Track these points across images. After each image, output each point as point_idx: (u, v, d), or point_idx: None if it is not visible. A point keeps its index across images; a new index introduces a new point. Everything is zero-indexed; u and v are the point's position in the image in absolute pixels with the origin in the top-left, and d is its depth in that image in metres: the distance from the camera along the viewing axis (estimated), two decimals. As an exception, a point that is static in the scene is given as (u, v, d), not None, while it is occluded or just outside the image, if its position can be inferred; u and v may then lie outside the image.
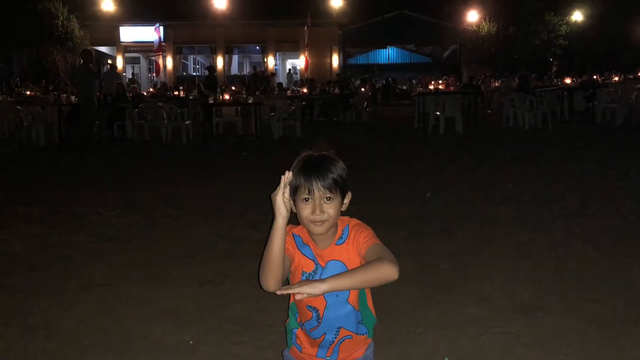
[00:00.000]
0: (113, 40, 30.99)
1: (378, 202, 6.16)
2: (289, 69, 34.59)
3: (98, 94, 13.06)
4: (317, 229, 1.88)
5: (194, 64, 37.85)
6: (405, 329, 3.29)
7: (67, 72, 26.43)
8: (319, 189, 1.83)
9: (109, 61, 28.81)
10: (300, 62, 31.40)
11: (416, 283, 3.90)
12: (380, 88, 26.85)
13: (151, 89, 23.63)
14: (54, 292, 3.90)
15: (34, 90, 20.05)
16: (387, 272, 1.77)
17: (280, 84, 22.98)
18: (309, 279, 1.90)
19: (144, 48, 31.23)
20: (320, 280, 1.77)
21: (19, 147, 12.02)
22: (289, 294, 1.80)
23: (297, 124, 13.13)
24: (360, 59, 40.28)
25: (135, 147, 12.02)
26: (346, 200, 1.93)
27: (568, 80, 18.88)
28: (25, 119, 12.68)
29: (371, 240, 1.91)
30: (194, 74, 35.87)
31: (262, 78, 24.05)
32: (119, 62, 30.82)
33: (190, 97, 17.94)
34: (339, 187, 1.86)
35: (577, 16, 33.67)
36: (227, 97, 13.99)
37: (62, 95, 15.55)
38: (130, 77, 30.91)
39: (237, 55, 36.50)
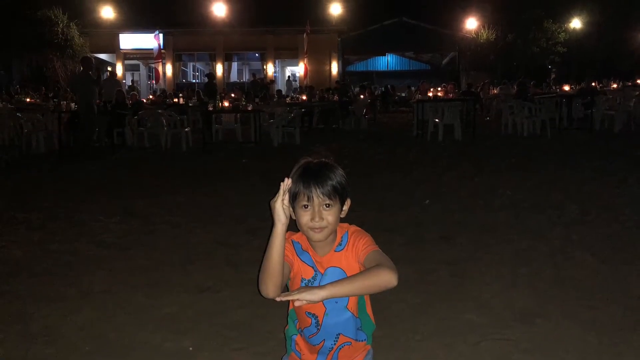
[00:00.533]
0: (113, 47, 31.05)
1: (377, 208, 6.17)
2: (288, 76, 34.65)
3: (98, 101, 13.08)
4: (316, 236, 1.89)
5: (194, 71, 37.91)
6: (404, 336, 3.30)
7: (66, 79, 26.43)
8: (318, 196, 1.84)
9: (109, 68, 28.86)
10: (299, 69, 31.45)
11: (415, 290, 3.90)
12: (379, 95, 26.91)
13: (151, 96, 23.65)
14: (54, 298, 3.90)
15: (33, 98, 20.06)
16: (386, 278, 1.77)
17: (279, 91, 23.01)
18: (308, 286, 1.91)
19: (144, 55, 31.28)
20: (320, 286, 1.77)
21: (18, 154, 12.01)
22: (288, 301, 1.81)
23: (296, 131, 13.15)
24: (360, 66, 40.45)
25: (135, 154, 12.04)
26: (345, 207, 1.94)
27: (567, 88, 18.90)
28: (25, 126, 12.69)
29: (370, 246, 1.92)
30: (194, 81, 35.94)
31: (261, 85, 24.09)
32: (119, 70, 30.88)
33: (190, 104, 17.98)
34: (338, 194, 1.87)
35: (576, 23, 33.74)
36: (226, 104, 14.01)
37: (62, 103, 15.61)
38: (130, 84, 30.95)
39: (236, 63, 36.59)
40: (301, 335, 2.06)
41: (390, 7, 34.37)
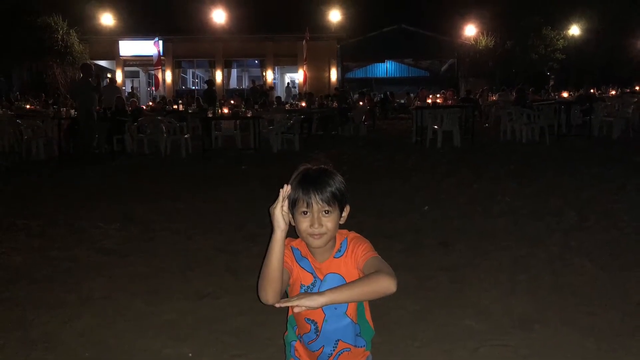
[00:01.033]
0: (112, 54, 31.11)
1: (376, 215, 6.18)
2: (288, 83, 34.71)
3: (97, 107, 13.11)
4: (316, 242, 1.90)
5: (193, 77, 37.97)
6: (403, 342, 3.31)
7: (66, 86, 26.48)
8: (317, 202, 1.85)
9: (109, 75, 28.94)
10: (298, 76, 31.51)
11: (414, 296, 3.91)
12: (378, 102, 26.96)
13: (150, 103, 23.67)
14: (54, 305, 3.91)
15: (33, 104, 20.09)
16: (385, 285, 1.78)
17: (278, 98, 23.07)
18: (308, 292, 1.91)
19: (143, 62, 31.33)
20: (319, 293, 1.78)
21: (18, 160, 12.04)
22: (288, 307, 1.82)
23: (295, 138, 13.17)
24: (359, 73, 40.54)
25: (135, 161, 12.05)
26: (344, 214, 1.95)
27: (565, 94, 18.98)
28: (25, 132, 12.71)
29: (369, 253, 1.92)
30: (193, 87, 36.00)
31: (260, 92, 24.12)
32: (119, 76, 30.94)
33: (190, 111, 18.00)
34: (338, 201, 1.88)
35: (575, 30, 33.85)
36: (226, 110, 14.05)
37: (61, 109, 15.64)
38: (130, 90, 31.01)
39: (235, 69, 36.67)
40: (300, 341, 2.06)
41: (390, 14, 34.52)
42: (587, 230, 5.48)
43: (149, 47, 28.30)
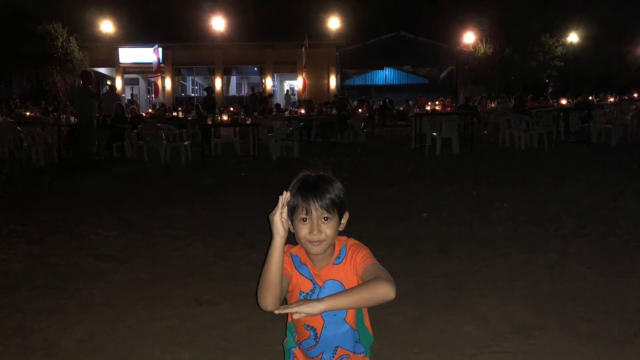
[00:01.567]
0: (112, 61, 31.19)
1: (375, 222, 6.19)
2: (287, 90, 34.78)
3: (97, 114, 13.14)
4: (315, 249, 1.90)
5: (193, 85, 38.06)
6: (402, 349, 3.31)
7: (66, 93, 26.56)
8: (316, 209, 1.85)
9: (108, 82, 28.96)
10: (298, 83, 31.59)
11: (413, 302, 3.92)
12: (377, 109, 27.00)
13: (150, 110, 23.72)
14: (54, 311, 3.91)
15: (33, 111, 20.13)
16: (384, 291, 1.78)
17: (278, 105, 23.10)
18: (307, 299, 1.92)
19: (143, 69, 31.40)
20: (318, 299, 1.78)
21: (18, 167, 12.05)
22: (287, 314, 1.82)
23: (294, 145, 13.20)
24: (358, 80, 40.61)
25: (134, 168, 12.06)
26: (343, 220, 1.95)
27: (564, 101, 19.02)
28: (25, 139, 12.74)
29: (368, 260, 1.92)
30: (193, 94, 36.11)
31: (260, 99, 24.15)
32: (118, 83, 31.00)
33: (189, 118, 18.03)
34: (337, 207, 1.89)
35: (573, 38, 33.98)
36: (225, 117, 14.08)
37: (61, 116, 15.66)
38: (129, 98, 31.08)
39: (235, 77, 36.73)
40: (300, 347, 2.07)
41: (388, 22, 34.67)
42: (586, 237, 5.50)
43: (148, 55, 28.40)
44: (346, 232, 2.01)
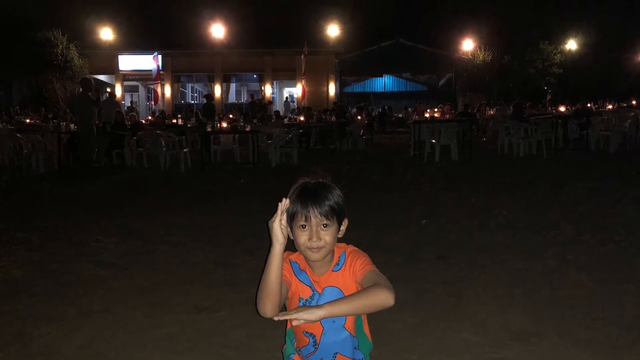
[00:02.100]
0: (112, 68, 31.27)
1: (374, 228, 6.20)
2: (286, 97, 34.87)
3: (97, 121, 13.17)
4: (314, 256, 1.91)
5: (192, 92, 38.13)
6: (401, 355, 3.32)
7: (66, 100, 26.63)
8: (315, 216, 1.86)
9: (108, 89, 29.03)
10: (297, 90, 31.67)
11: (412, 309, 3.93)
12: (376, 116, 27.05)
13: (150, 117, 23.77)
14: (54, 318, 3.92)
15: (33, 118, 20.18)
16: (384, 298, 1.79)
17: (277, 112, 23.14)
18: (306, 305, 1.92)
19: (143, 76, 31.49)
20: (317, 306, 1.78)
21: (18, 174, 12.06)
22: (286, 320, 1.83)
23: (294, 152, 13.21)
24: (357, 87, 40.70)
25: (134, 175, 12.08)
26: (343, 227, 1.96)
27: (562, 108, 19.08)
28: (25, 146, 12.76)
29: (367, 266, 1.93)
30: (192, 102, 36.19)
31: (259, 106, 24.22)
32: (118, 91, 31.07)
33: (189, 125, 18.07)
34: (336, 214, 1.89)
35: (572, 45, 34.09)
36: (224, 125, 14.10)
37: (61, 123, 15.69)
38: (129, 105, 31.14)
39: (234, 84, 36.82)
40: (299, 354, 2.07)
41: (387, 29, 34.80)
42: (584, 244, 5.50)
43: (148, 62, 28.48)
44: (345, 239, 2.02)
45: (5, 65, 25.29)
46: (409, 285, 4.36)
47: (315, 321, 1.77)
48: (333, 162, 13.31)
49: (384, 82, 40.55)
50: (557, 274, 4.64)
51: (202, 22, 30.38)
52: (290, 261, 2.00)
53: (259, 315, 1.87)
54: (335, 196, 1.91)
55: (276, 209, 1.84)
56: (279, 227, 1.83)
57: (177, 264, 5.20)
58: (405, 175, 10.78)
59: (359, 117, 19.83)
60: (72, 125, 14.48)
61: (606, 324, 3.64)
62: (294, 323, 1.76)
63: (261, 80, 32.94)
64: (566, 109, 19.21)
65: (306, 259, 1.97)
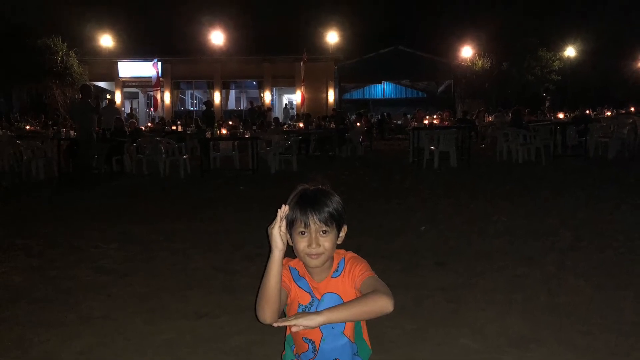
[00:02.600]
0: (111, 75, 31.32)
1: (373, 235, 6.22)
2: (286, 104, 34.92)
3: (97, 128, 13.18)
4: (313, 262, 1.92)
5: (192, 98, 38.17)
6: (400, 361, 3.33)
7: (66, 107, 26.64)
8: (315, 223, 1.87)
9: (108, 96, 29.07)
10: (296, 97, 31.70)
11: (411, 315, 3.94)
12: (375, 123, 27.08)
13: (149, 124, 23.78)
14: (53, 324, 3.93)
15: (33, 125, 20.20)
16: (383, 304, 1.79)
17: (276, 119, 23.16)
18: (305, 311, 1.93)
19: (142, 83, 31.51)
20: (317, 312, 1.79)
21: (18, 181, 12.07)
22: (286, 326, 1.83)
23: (293, 159, 13.23)
24: (356, 94, 40.76)
25: (134, 181, 12.09)
26: (342, 234, 1.97)
27: (561, 115, 19.09)
28: (25, 153, 12.78)
29: (366, 273, 1.94)
30: (192, 108, 36.21)
31: (258, 113, 24.25)
32: (118, 97, 31.12)
33: (188, 132, 18.07)
34: (335, 221, 1.91)
35: (570, 52, 34.18)
36: (224, 131, 14.11)
37: (61, 130, 15.69)
38: (129, 112, 31.20)
39: (234, 90, 36.86)
40: (298, 360, 2.09)
41: (386, 36, 34.87)
42: (583, 250, 5.52)
43: (147, 69, 28.51)
44: (344, 246, 2.03)
45: (5, 72, 25.32)
46: (408, 291, 4.37)
47: (315, 327, 1.78)
48: (332, 168, 13.32)
49: (383, 89, 40.61)
50: (555, 280, 4.65)
51: (201, 29, 30.46)
52: (289, 267, 2.01)
53: (259, 321, 1.87)
54: (335, 203, 1.92)
55: (275, 216, 1.85)
56: (278, 233, 1.84)
57: (177, 270, 5.21)
58: (404, 181, 10.80)
59: (358, 124, 19.85)
60: (71, 132, 14.46)
61: (604, 331, 3.65)
62: (293, 329, 1.77)
63: (260, 87, 32.99)
64: (565, 115, 19.24)
65: (305, 265, 1.98)
